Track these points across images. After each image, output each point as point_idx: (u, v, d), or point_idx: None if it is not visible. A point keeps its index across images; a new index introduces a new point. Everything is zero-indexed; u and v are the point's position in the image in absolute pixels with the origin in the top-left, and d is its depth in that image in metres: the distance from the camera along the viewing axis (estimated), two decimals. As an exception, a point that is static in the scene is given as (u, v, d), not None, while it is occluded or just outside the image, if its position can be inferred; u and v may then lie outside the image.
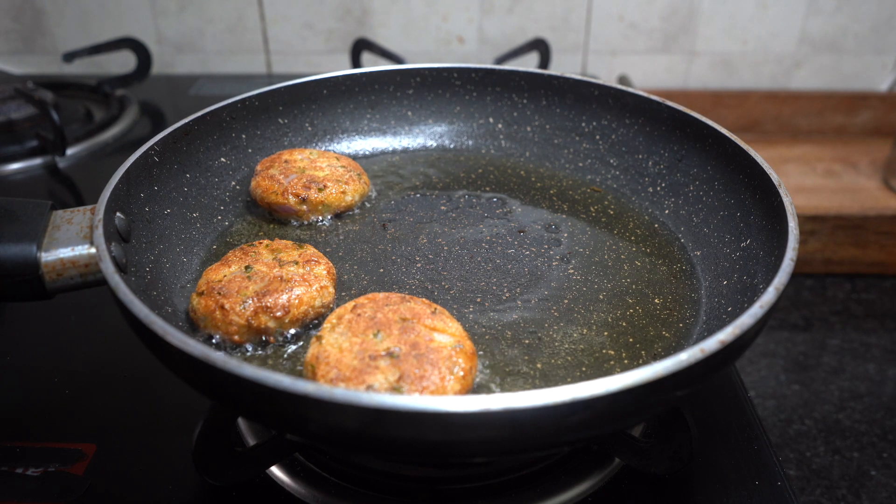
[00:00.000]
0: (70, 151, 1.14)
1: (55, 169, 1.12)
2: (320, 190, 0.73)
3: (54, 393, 0.68)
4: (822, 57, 1.53)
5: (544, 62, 1.30)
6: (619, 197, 0.79)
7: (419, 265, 0.68)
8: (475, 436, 0.40)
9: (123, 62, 1.45)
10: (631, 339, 0.59)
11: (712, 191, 0.71)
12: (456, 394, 0.50)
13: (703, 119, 0.72)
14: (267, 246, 0.64)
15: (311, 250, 0.63)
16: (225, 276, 0.59)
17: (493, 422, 0.39)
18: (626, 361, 0.57)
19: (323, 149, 0.86)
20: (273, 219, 0.74)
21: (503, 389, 0.54)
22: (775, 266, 0.52)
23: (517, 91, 0.87)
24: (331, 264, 0.63)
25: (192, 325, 0.59)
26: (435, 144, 0.89)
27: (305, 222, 0.74)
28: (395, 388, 0.48)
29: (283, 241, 0.65)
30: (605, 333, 0.60)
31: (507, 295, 0.64)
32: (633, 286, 0.65)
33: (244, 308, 0.56)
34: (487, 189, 0.80)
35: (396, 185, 0.81)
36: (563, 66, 1.53)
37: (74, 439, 0.63)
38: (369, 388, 0.48)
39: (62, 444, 0.62)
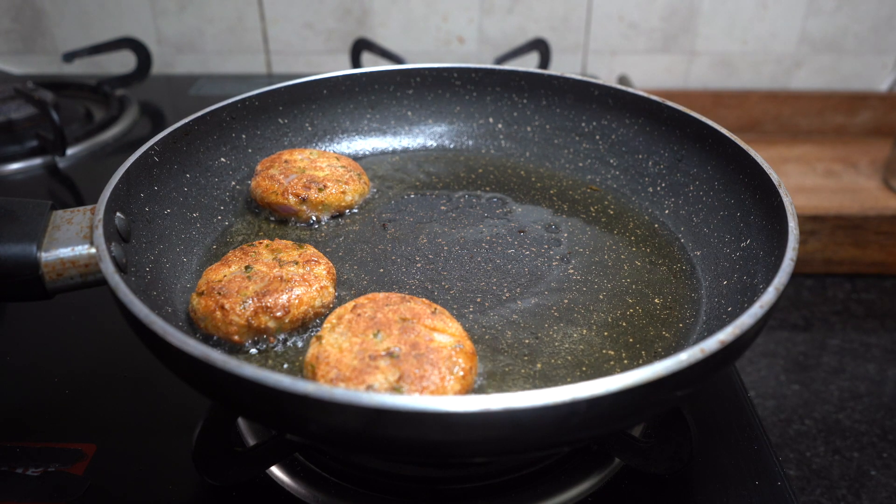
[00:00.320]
0: (70, 151, 1.14)
1: (55, 169, 1.12)
2: (320, 190, 0.73)
3: (54, 393, 0.68)
4: (822, 57, 1.53)
5: (544, 62, 1.30)
6: (619, 197, 0.79)
7: (419, 265, 0.68)
8: (475, 436, 0.40)
9: (123, 62, 1.45)
10: (631, 339, 0.59)
11: (712, 191, 0.71)
12: (456, 394, 0.50)
13: (703, 119, 0.72)
14: (267, 246, 0.64)
15: (311, 250, 0.63)
16: (225, 276, 0.59)
17: (493, 422, 0.39)
18: (626, 361, 0.57)
19: (323, 149, 0.86)
20: (273, 219, 0.74)
21: (503, 389, 0.54)
22: (775, 266, 0.52)
23: (517, 91, 0.87)
24: (331, 264, 0.63)
25: (192, 325, 0.59)
26: (435, 144, 0.89)
27: (305, 222, 0.74)
28: (395, 388, 0.48)
29: (283, 241, 0.65)
30: (605, 333, 0.60)
31: (507, 295, 0.64)
32: (633, 286, 0.65)
33: (244, 308, 0.56)
34: (487, 189, 0.80)
35: (396, 185, 0.81)
36: (563, 66, 1.53)
37: (74, 439, 0.63)
38: (369, 388, 0.48)
39: (62, 444, 0.62)
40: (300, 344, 0.58)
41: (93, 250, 0.53)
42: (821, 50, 1.52)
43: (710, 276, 0.66)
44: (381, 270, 0.67)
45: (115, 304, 0.48)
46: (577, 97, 0.84)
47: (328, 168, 0.76)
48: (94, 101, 1.34)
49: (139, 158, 0.64)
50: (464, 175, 0.83)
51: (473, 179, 0.82)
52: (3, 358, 0.73)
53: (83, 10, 1.49)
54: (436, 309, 0.56)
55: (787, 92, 1.53)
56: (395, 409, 0.38)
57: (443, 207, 0.77)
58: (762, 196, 0.63)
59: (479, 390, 0.54)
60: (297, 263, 0.61)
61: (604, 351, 0.58)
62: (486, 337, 0.59)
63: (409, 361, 0.50)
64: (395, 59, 1.28)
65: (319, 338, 0.53)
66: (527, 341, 0.58)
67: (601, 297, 0.64)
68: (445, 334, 0.53)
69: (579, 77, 0.83)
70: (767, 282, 0.50)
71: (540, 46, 1.30)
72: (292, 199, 0.72)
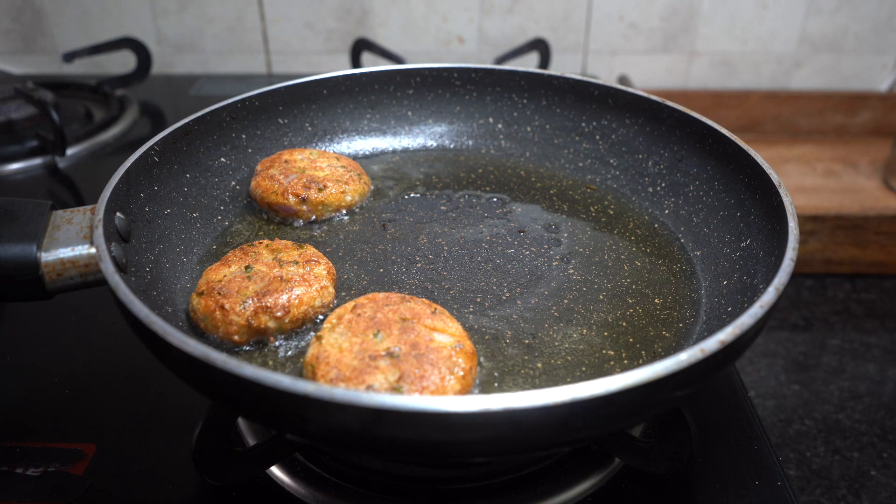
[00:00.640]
0: (70, 151, 1.14)
1: (55, 169, 1.12)
2: (320, 190, 0.73)
3: (54, 393, 0.68)
4: (822, 57, 1.53)
5: (544, 62, 1.30)
6: (619, 197, 0.79)
7: (419, 265, 0.68)
8: (475, 436, 0.40)
9: (123, 62, 1.45)
10: (631, 339, 0.59)
11: (712, 191, 0.71)
12: (456, 394, 0.50)
13: (703, 119, 0.72)
14: (267, 246, 0.64)
15: (311, 250, 0.63)
16: (225, 276, 0.59)
17: (493, 422, 0.39)
18: (626, 361, 0.57)
19: (323, 149, 0.86)
20: (273, 219, 0.74)
21: (503, 389, 0.54)
22: (775, 266, 0.52)
23: (517, 91, 0.87)
24: (331, 264, 0.63)
25: (192, 325, 0.59)
26: (435, 144, 0.89)
27: (305, 222, 0.74)
28: (395, 388, 0.48)
29: (283, 241, 0.65)
30: (605, 333, 0.60)
31: (507, 295, 0.64)
32: (633, 286, 0.65)
33: (244, 308, 0.56)
34: (487, 189, 0.80)
35: (396, 185, 0.81)
36: (563, 66, 1.53)
37: (74, 439, 0.63)
38: (369, 388, 0.48)
39: (62, 444, 0.62)
40: (300, 344, 0.58)
41: (93, 250, 0.53)
42: (821, 50, 1.52)
43: (710, 276, 0.66)
44: (381, 270, 0.67)
45: (115, 304, 0.48)
46: (577, 97, 0.84)
47: (328, 168, 0.76)
48: (94, 101, 1.34)
49: (139, 158, 0.64)
50: (464, 175, 0.83)
51: (473, 179, 0.82)
52: (3, 358, 0.73)
53: (83, 10, 1.49)
54: (436, 309, 0.56)
55: (787, 92, 1.53)
56: (395, 409, 0.38)
57: (443, 207, 0.77)
58: (762, 196, 0.63)
59: (479, 390, 0.54)
60: (297, 263, 0.61)
61: (604, 351, 0.58)
62: (486, 337, 0.59)
63: (409, 361, 0.50)
64: (395, 59, 1.28)
65: (319, 338, 0.53)
66: (527, 341, 0.58)
67: (601, 297, 0.64)
68: (445, 334, 0.53)
69: (579, 77, 0.83)
70: (767, 282, 0.50)
71: (540, 46, 1.30)
72: (292, 199, 0.72)
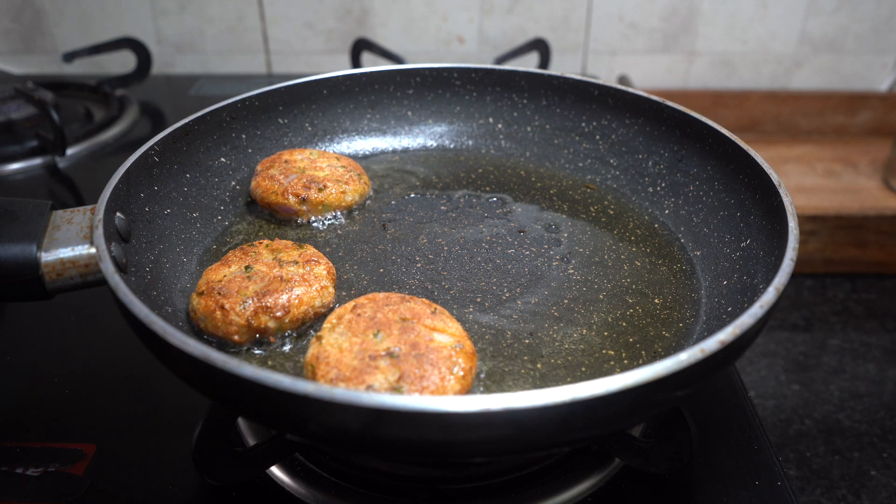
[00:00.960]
0: (70, 151, 1.14)
1: (55, 169, 1.12)
2: (320, 190, 0.73)
3: (54, 393, 0.68)
4: (822, 57, 1.53)
5: (544, 62, 1.30)
6: (619, 197, 0.79)
7: (419, 265, 0.68)
8: (475, 436, 0.40)
9: (123, 62, 1.45)
10: (631, 339, 0.59)
11: (712, 191, 0.71)
12: (456, 394, 0.50)
13: (703, 119, 0.72)
14: (267, 246, 0.64)
15: (311, 250, 0.63)
16: (225, 276, 0.59)
17: (493, 422, 0.39)
18: (626, 361, 0.57)
19: (323, 149, 0.86)
20: (273, 219, 0.74)
21: (503, 389, 0.54)
22: (775, 266, 0.52)
23: (517, 91, 0.87)
24: (331, 264, 0.63)
25: (192, 325, 0.59)
26: (435, 144, 0.89)
27: (305, 222, 0.74)
28: (395, 388, 0.48)
29: (283, 241, 0.65)
30: (605, 333, 0.60)
31: (507, 295, 0.64)
32: (633, 286, 0.65)
33: (244, 308, 0.56)
34: (487, 189, 0.80)
35: (396, 185, 0.81)
36: (563, 66, 1.53)
37: (74, 439, 0.63)
38: (369, 388, 0.48)
39: (62, 444, 0.62)
40: (300, 344, 0.58)
41: (93, 250, 0.53)
42: (821, 50, 1.52)
43: (710, 276, 0.66)
44: (381, 270, 0.67)
45: (115, 304, 0.48)
46: (577, 97, 0.84)
47: (328, 168, 0.76)
48: (94, 101, 1.34)
49: (139, 158, 0.64)
50: (464, 175, 0.83)
51: (473, 179, 0.82)
52: (3, 358, 0.73)
53: (83, 10, 1.49)
54: (436, 309, 0.56)
55: (787, 92, 1.53)
56: (395, 409, 0.38)
57: (443, 207, 0.77)
58: (762, 196, 0.63)
59: (480, 390, 0.54)
60: (297, 263, 0.61)
61: (604, 351, 0.58)
62: (486, 337, 0.59)
63: (409, 361, 0.50)
64: (395, 59, 1.28)
65: (319, 338, 0.53)
66: (527, 341, 0.58)
67: (601, 297, 0.64)
68: (445, 334, 0.53)
69: (579, 77, 0.83)
70: (767, 282, 0.50)
71: (540, 46, 1.30)
72: (292, 199, 0.72)
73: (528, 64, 1.23)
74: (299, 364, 0.56)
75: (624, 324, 0.61)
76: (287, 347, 0.57)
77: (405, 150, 0.88)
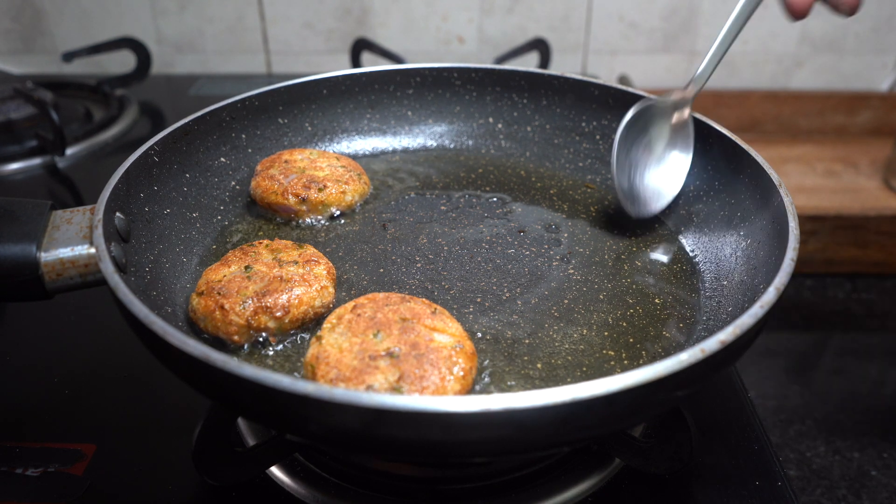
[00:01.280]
0: (70, 151, 1.14)
1: (55, 169, 1.12)
2: (320, 190, 0.73)
3: (54, 393, 0.68)
4: (822, 57, 1.53)
5: (544, 62, 1.30)
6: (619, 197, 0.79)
7: (419, 265, 0.68)
8: (475, 436, 0.40)
9: (123, 62, 1.45)
10: (631, 339, 0.59)
11: (712, 191, 0.71)
12: (456, 394, 0.50)
13: (704, 119, 0.72)
14: (267, 246, 0.64)
15: (311, 250, 0.63)
16: (225, 276, 0.59)
17: (493, 422, 0.39)
18: (626, 361, 0.57)
19: (323, 149, 0.86)
20: (273, 219, 0.74)
21: (503, 389, 0.54)
22: (775, 266, 0.52)
23: (517, 91, 0.87)
24: (331, 264, 0.63)
25: (192, 325, 0.59)
26: (435, 144, 0.89)
27: (305, 222, 0.74)
28: (395, 388, 0.48)
29: (283, 241, 0.65)
30: (605, 333, 0.60)
31: (507, 295, 0.64)
32: (633, 286, 0.65)
33: (244, 308, 0.56)
34: (487, 189, 0.80)
35: (396, 185, 0.81)
36: (563, 66, 1.53)
37: (74, 439, 0.63)
38: (369, 388, 0.48)
39: (62, 444, 0.62)
40: (300, 344, 0.58)
41: (92, 250, 0.53)
42: (821, 50, 1.52)
43: (710, 276, 0.66)
44: (381, 270, 0.67)
45: (115, 304, 0.48)
46: (577, 97, 0.84)
47: (328, 168, 0.76)
48: (94, 101, 1.34)
49: (139, 158, 0.64)
50: (464, 175, 0.83)
51: (473, 179, 0.82)
52: (3, 358, 0.73)
53: (83, 10, 1.49)
54: (436, 309, 0.56)
55: (787, 92, 1.53)
56: (395, 409, 0.38)
57: (443, 207, 0.77)
58: (762, 196, 0.63)
59: (479, 390, 0.54)
60: (297, 263, 0.61)
61: (604, 351, 0.58)
62: (487, 337, 0.59)
63: (409, 361, 0.50)
64: (395, 58, 1.28)
65: (319, 338, 0.53)
66: (527, 341, 0.58)
67: (601, 297, 0.64)
68: (445, 334, 0.53)
69: (579, 77, 0.83)
70: (768, 282, 0.50)
71: (540, 46, 1.30)
72: (292, 199, 0.72)
73: (528, 64, 1.23)
74: (299, 364, 0.56)
75: (624, 324, 0.61)
76: (287, 347, 0.57)
77: (405, 150, 0.88)
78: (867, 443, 0.88)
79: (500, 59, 1.32)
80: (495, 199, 0.78)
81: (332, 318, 0.55)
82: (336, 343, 0.52)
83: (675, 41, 1.51)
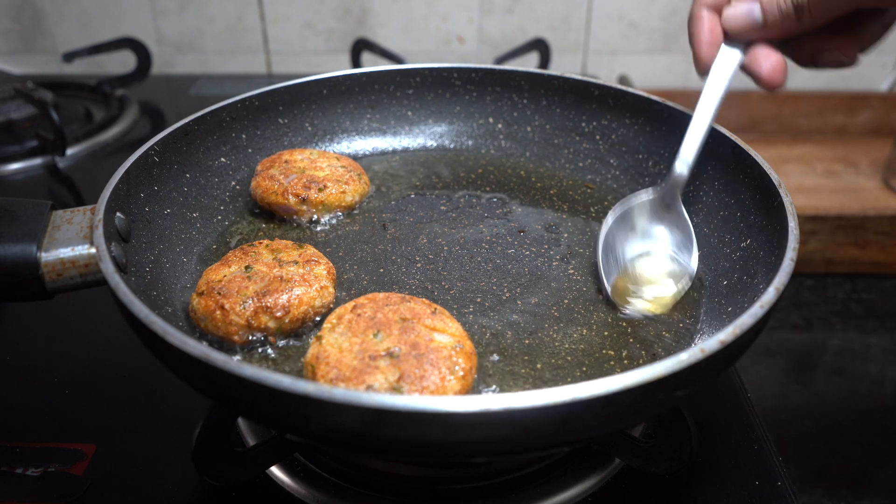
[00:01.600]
0: (70, 151, 1.14)
1: (55, 169, 1.12)
2: (320, 190, 0.73)
3: (54, 393, 0.68)
4: (822, 57, 1.53)
5: (544, 62, 1.30)
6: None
7: (419, 265, 0.68)
8: (475, 436, 0.40)
9: (123, 62, 1.45)
10: (631, 339, 0.59)
11: (712, 191, 0.71)
12: (456, 394, 0.50)
13: (704, 119, 0.72)
14: (267, 246, 0.64)
15: (311, 250, 0.63)
16: (225, 276, 0.59)
17: (493, 422, 0.39)
18: (626, 361, 0.57)
19: (323, 149, 0.86)
20: (273, 219, 0.74)
21: (503, 389, 0.54)
22: (775, 266, 0.52)
23: (517, 91, 0.87)
24: (331, 264, 0.63)
25: (192, 325, 0.59)
26: (435, 144, 0.89)
27: (305, 222, 0.74)
28: (395, 388, 0.48)
29: (283, 241, 0.65)
30: (605, 333, 0.60)
31: (507, 295, 0.64)
32: (633, 286, 0.65)
33: (244, 308, 0.56)
34: (487, 189, 0.80)
35: (396, 185, 0.81)
36: (563, 66, 1.53)
37: (74, 439, 0.63)
38: (369, 388, 0.48)
39: (62, 444, 0.62)
40: (300, 344, 0.58)
41: (93, 250, 0.53)
42: (821, 50, 1.52)
43: (710, 276, 0.66)
44: (381, 270, 0.67)
45: (115, 304, 0.48)
46: (577, 97, 0.84)
47: (328, 168, 0.76)
48: (94, 101, 1.34)
49: (139, 158, 0.64)
50: (464, 175, 0.83)
51: (473, 179, 0.82)
52: (3, 358, 0.73)
53: (83, 10, 1.49)
54: (436, 309, 0.56)
55: (787, 92, 1.53)
56: (395, 409, 0.38)
57: (443, 207, 0.77)
58: (762, 196, 0.63)
59: (480, 390, 0.54)
60: (297, 263, 0.61)
61: (604, 351, 0.58)
62: (486, 337, 0.59)
63: (409, 361, 0.50)
64: (395, 59, 1.28)
65: (319, 338, 0.53)
66: (527, 341, 0.58)
67: (601, 297, 0.64)
68: (445, 334, 0.53)
69: (579, 77, 0.83)
70: (767, 282, 0.50)
71: (540, 46, 1.30)
72: (292, 199, 0.72)
73: (528, 64, 1.23)
74: (299, 364, 0.56)
75: (624, 324, 0.61)
76: (287, 347, 0.57)
77: (405, 150, 0.88)
78: (867, 443, 0.88)
79: (500, 60, 1.32)
80: (495, 199, 0.78)
81: (332, 318, 0.55)
82: (336, 343, 0.52)
83: (675, 41, 1.51)
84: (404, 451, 0.46)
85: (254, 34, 1.51)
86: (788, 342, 1.04)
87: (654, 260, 0.66)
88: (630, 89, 0.79)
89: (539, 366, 0.56)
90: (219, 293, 0.57)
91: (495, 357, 0.57)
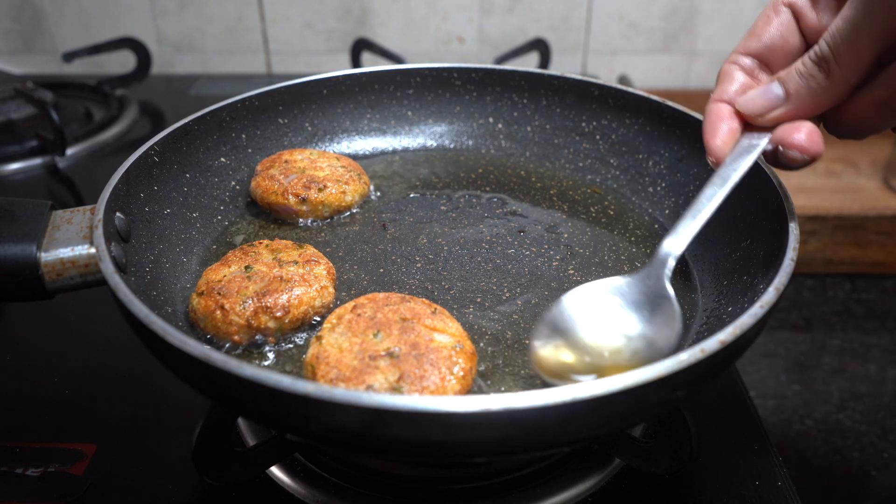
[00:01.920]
0: (70, 151, 1.14)
1: (55, 169, 1.12)
2: (320, 190, 0.73)
3: (54, 393, 0.68)
4: (822, 57, 1.53)
5: (544, 62, 1.30)
6: (618, 197, 0.79)
7: (419, 265, 0.68)
8: (475, 436, 0.40)
9: (123, 62, 1.45)
10: (631, 339, 0.59)
11: (712, 191, 0.71)
12: (456, 394, 0.50)
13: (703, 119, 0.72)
14: (267, 246, 0.64)
15: (311, 250, 0.63)
16: (225, 276, 0.59)
17: (493, 422, 0.39)
18: (626, 361, 0.57)
19: (323, 149, 0.86)
20: (273, 219, 0.74)
21: (503, 390, 0.54)
22: (775, 266, 0.52)
23: (517, 91, 0.87)
24: (331, 264, 0.63)
25: (192, 325, 0.59)
26: (435, 144, 0.89)
27: (305, 222, 0.74)
28: (395, 388, 0.48)
29: (283, 241, 0.65)
30: (606, 333, 0.59)
31: (507, 295, 0.64)
32: (634, 286, 0.65)
33: (244, 308, 0.56)
34: (487, 189, 0.80)
35: (396, 185, 0.81)
36: (563, 66, 1.53)
37: (74, 439, 0.63)
38: (369, 388, 0.48)
39: (62, 444, 0.62)
40: (300, 344, 0.58)
41: (93, 250, 0.53)
42: (821, 50, 1.52)
43: (710, 276, 0.66)
44: (381, 270, 0.67)
45: (115, 304, 0.48)
46: (577, 97, 0.84)
47: (328, 168, 0.76)
48: (94, 101, 1.34)
49: (139, 158, 0.64)
50: (464, 175, 0.83)
51: (473, 179, 0.82)
52: (3, 358, 0.73)
53: (83, 10, 1.49)
54: (436, 309, 0.56)
55: (787, 92, 1.53)
56: (395, 409, 0.38)
57: (443, 207, 0.77)
58: (762, 196, 0.63)
59: (479, 390, 0.54)
60: (297, 263, 0.61)
61: (604, 351, 0.58)
62: (486, 337, 0.59)
63: (409, 361, 0.50)
64: (395, 59, 1.28)
65: (319, 338, 0.53)
66: (527, 341, 0.58)
67: (601, 297, 0.64)
68: (445, 334, 0.53)
69: (579, 77, 0.83)
70: (767, 282, 0.50)
71: (540, 46, 1.30)
72: (292, 199, 0.72)
73: (528, 64, 1.23)
74: (299, 364, 0.56)
75: (624, 324, 0.61)
76: (287, 347, 0.57)
77: (405, 150, 0.88)
78: (867, 443, 0.88)
79: (500, 60, 1.32)
80: (495, 199, 0.78)
81: (332, 318, 0.55)
82: (336, 343, 0.52)
83: (675, 41, 1.51)
84: (404, 451, 0.46)
85: (254, 34, 1.51)
86: (788, 342, 1.04)
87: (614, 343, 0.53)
88: (630, 89, 0.79)
89: (539, 366, 0.56)
90: (219, 293, 0.57)
91: (495, 357, 0.57)
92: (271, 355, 0.57)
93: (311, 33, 1.51)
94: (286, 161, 0.76)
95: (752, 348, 0.49)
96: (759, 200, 0.63)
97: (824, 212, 1.08)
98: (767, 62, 0.56)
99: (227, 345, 0.57)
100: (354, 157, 0.86)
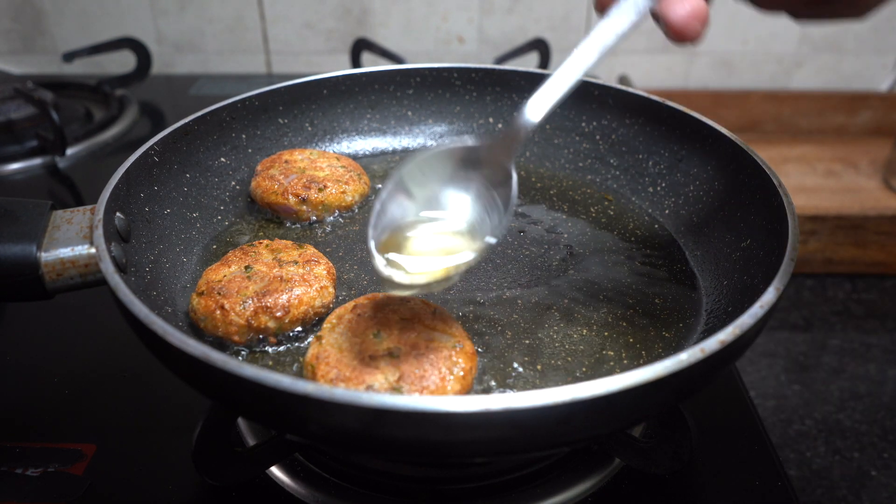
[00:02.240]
0: (70, 151, 1.14)
1: (55, 169, 1.12)
2: (320, 190, 0.73)
3: (54, 393, 0.68)
4: (822, 57, 1.53)
5: (544, 62, 1.30)
6: (618, 197, 0.79)
7: (419, 265, 0.68)
8: (475, 436, 0.40)
9: (123, 62, 1.45)
10: (631, 339, 0.59)
11: (712, 191, 0.71)
12: (456, 394, 0.50)
13: (703, 119, 0.72)
14: (267, 246, 0.64)
15: (311, 250, 0.63)
16: (225, 276, 0.59)
17: (493, 422, 0.39)
18: (625, 361, 0.57)
19: (323, 149, 0.86)
20: (273, 219, 0.74)
21: (503, 390, 0.54)
22: (775, 266, 0.52)
23: (517, 91, 0.87)
24: (331, 264, 0.63)
25: (192, 325, 0.59)
26: (435, 144, 0.89)
27: (305, 222, 0.74)
28: (395, 388, 0.48)
29: (283, 241, 0.65)
30: (605, 333, 0.60)
31: (507, 295, 0.64)
32: (633, 286, 0.65)
33: (244, 308, 0.56)
34: (487, 189, 0.80)
35: (396, 185, 0.81)
36: (563, 66, 1.52)
37: (74, 439, 0.63)
38: (369, 388, 0.48)
39: (62, 444, 0.62)
40: (300, 344, 0.58)
41: (93, 250, 0.53)
42: (821, 50, 1.52)
43: (710, 276, 0.66)
44: (381, 270, 0.67)
45: (115, 304, 0.48)
46: (577, 97, 0.83)
47: (328, 168, 0.76)
48: (94, 101, 1.34)
49: (139, 158, 0.64)
50: (464, 175, 0.83)
51: (473, 179, 0.82)
52: (3, 358, 0.73)
53: (83, 10, 1.49)
54: (436, 309, 0.56)
55: (787, 92, 1.53)
56: (395, 409, 0.38)
57: (443, 207, 0.77)
58: (762, 196, 0.63)
59: (479, 390, 0.54)
60: (297, 263, 0.61)
61: (604, 351, 0.58)
62: (486, 337, 0.59)
63: (409, 361, 0.50)
64: (395, 59, 1.28)
65: (319, 338, 0.53)
66: (527, 341, 0.58)
67: (601, 297, 0.64)
68: (445, 334, 0.53)
69: (579, 77, 0.83)
70: (767, 282, 0.50)
71: (540, 46, 1.30)
72: (292, 199, 0.72)
73: (528, 64, 1.23)
74: (299, 364, 0.56)
75: (624, 324, 0.61)
76: (287, 347, 0.57)
77: (405, 150, 0.88)
78: (867, 443, 0.88)
79: (500, 59, 1.32)
80: (495, 199, 0.78)
81: (332, 318, 0.55)
82: (336, 343, 0.52)
83: (675, 41, 1.51)
84: (404, 451, 0.46)
85: (254, 34, 1.51)
86: (788, 342, 1.04)
87: (439, 232, 0.51)
88: (630, 89, 0.79)
89: (539, 366, 0.56)
90: (219, 293, 0.57)
91: (495, 357, 0.57)
92: (271, 355, 0.56)
93: (311, 33, 1.51)
94: (286, 161, 0.76)
95: (752, 348, 0.50)
96: (759, 200, 0.63)
97: (824, 212, 1.08)
98: None
99: (228, 345, 0.57)
100: (354, 157, 0.86)
